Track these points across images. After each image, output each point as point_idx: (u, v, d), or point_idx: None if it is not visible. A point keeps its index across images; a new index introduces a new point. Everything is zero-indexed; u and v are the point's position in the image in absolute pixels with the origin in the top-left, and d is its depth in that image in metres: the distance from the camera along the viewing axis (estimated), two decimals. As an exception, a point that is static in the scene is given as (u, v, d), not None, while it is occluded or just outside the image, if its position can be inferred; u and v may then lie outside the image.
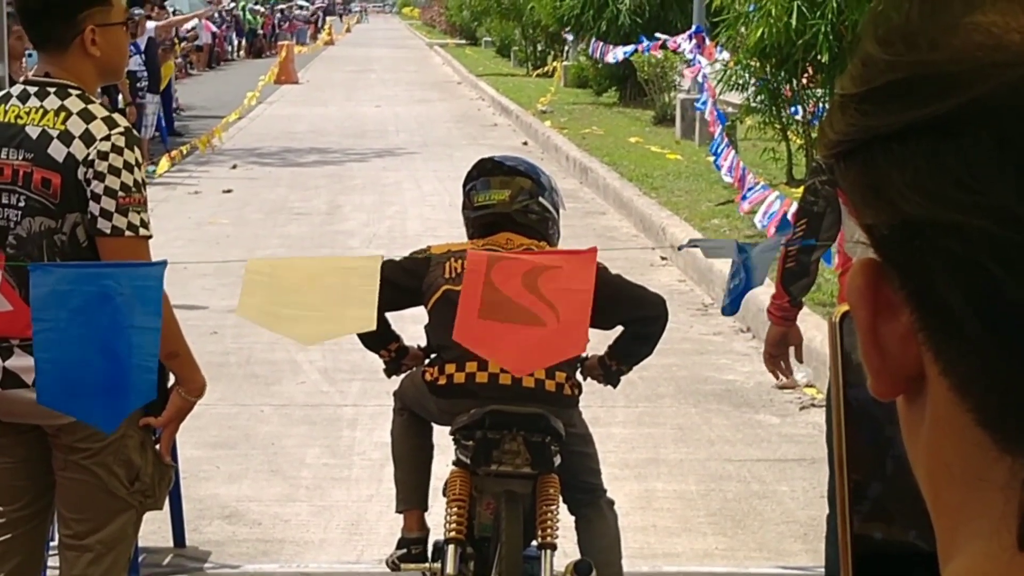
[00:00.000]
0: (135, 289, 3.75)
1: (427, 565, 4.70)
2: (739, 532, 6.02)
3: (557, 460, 4.44)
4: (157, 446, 4.05)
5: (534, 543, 4.49)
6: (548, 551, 4.39)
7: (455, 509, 4.45)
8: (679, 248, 5.15)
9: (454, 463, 4.53)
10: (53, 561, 4.51)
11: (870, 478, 0.73)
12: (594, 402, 6.70)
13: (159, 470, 4.04)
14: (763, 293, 9.11)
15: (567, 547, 4.77)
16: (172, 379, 4.03)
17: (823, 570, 4.83)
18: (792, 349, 4.91)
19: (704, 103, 15.59)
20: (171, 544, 5.74)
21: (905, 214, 0.64)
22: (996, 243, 0.62)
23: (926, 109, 0.63)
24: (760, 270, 4.59)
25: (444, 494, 4.54)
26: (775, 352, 4.92)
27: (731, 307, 4.81)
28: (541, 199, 4.71)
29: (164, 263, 3.81)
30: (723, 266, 10.02)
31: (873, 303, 0.68)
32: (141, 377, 3.77)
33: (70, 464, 3.95)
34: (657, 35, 20.51)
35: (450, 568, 4.39)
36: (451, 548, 4.42)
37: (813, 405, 7.65)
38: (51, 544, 4.52)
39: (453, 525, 4.43)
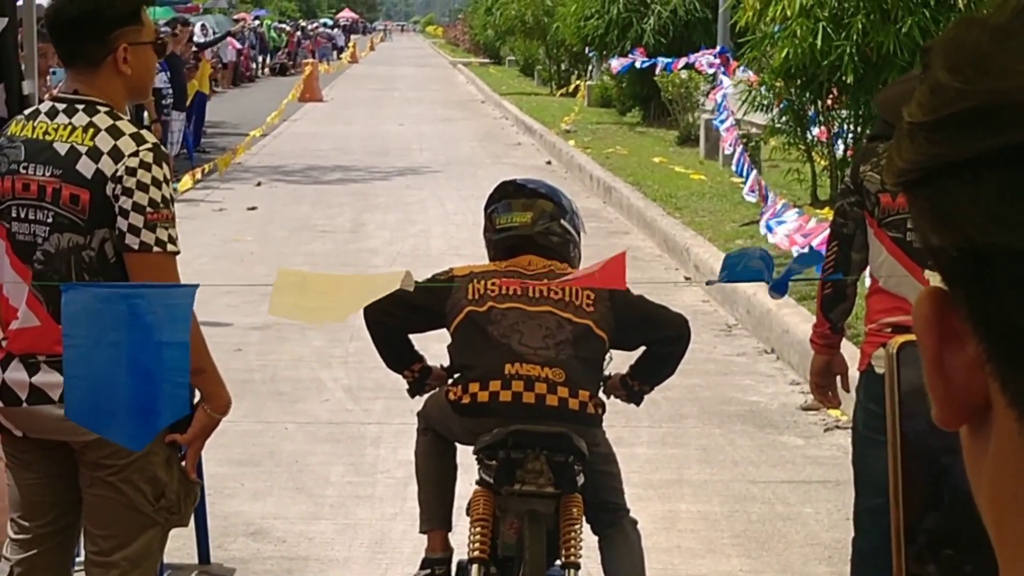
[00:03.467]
0: (166, 309, 3.76)
1: (451, 585, 4.70)
2: (763, 554, 6.00)
3: (580, 480, 4.44)
4: (183, 463, 4.05)
5: (557, 563, 4.48)
6: (572, 571, 4.38)
7: (478, 529, 4.44)
8: (708, 283, 5.12)
9: (477, 482, 4.53)
10: (78, 577, 4.52)
11: (926, 509, 0.72)
12: (618, 422, 6.69)
13: (185, 487, 4.05)
14: (790, 315, 9.11)
15: (591, 567, 4.76)
16: (197, 396, 4.04)
17: (848, 593, 4.80)
18: (839, 378, 4.85)
19: (722, 122, 15.56)
20: (196, 561, 5.74)
21: (976, 241, 0.64)
22: None
23: (999, 138, 0.62)
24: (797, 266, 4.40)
25: (467, 513, 4.53)
26: (821, 382, 4.82)
27: (780, 288, 4.54)
28: (563, 221, 4.72)
29: (196, 286, 3.82)
30: (746, 287, 10.03)
31: (939, 332, 0.67)
32: (173, 393, 3.78)
33: (96, 481, 3.95)
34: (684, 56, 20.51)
35: (474, 587, 4.38)
36: (475, 568, 4.41)
37: (838, 427, 7.62)
38: (77, 560, 4.52)
39: (476, 545, 4.43)
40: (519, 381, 4.43)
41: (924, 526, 0.72)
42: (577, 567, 4.39)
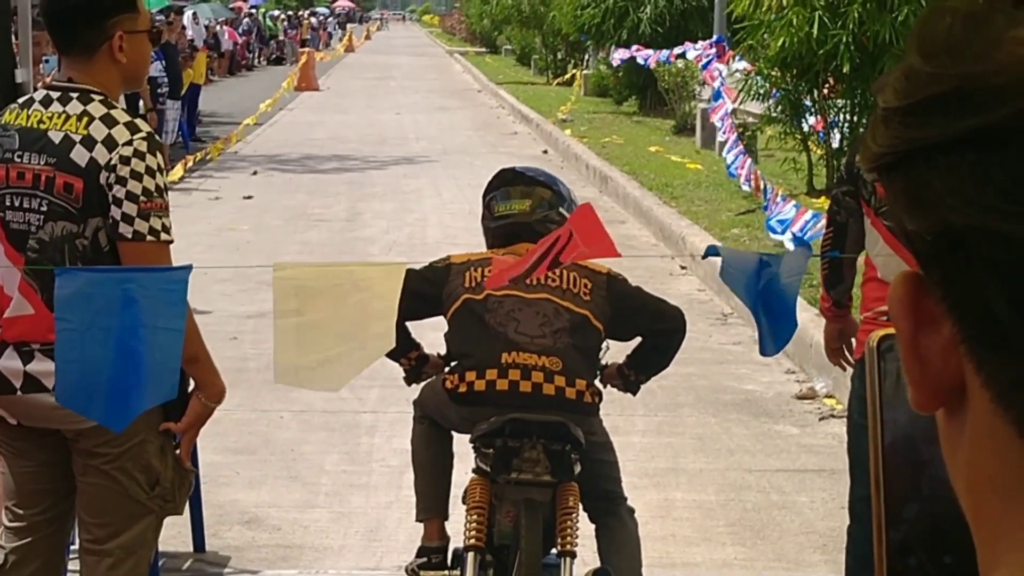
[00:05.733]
0: (160, 293, 3.75)
1: (447, 573, 4.70)
2: (758, 542, 6.01)
3: (577, 468, 4.44)
4: (177, 451, 4.05)
5: (553, 551, 4.49)
6: (568, 559, 4.38)
7: (475, 517, 4.44)
8: (702, 257, 5.04)
9: (474, 471, 4.53)
10: (73, 565, 4.52)
11: (907, 499, 0.73)
12: (614, 411, 6.69)
13: (179, 475, 4.05)
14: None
15: (587, 555, 4.76)
16: (192, 384, 4.04)
17: (843, 581, 4.81)
18: (853, 340, 4.94)
19: (723, 117, 15.52)
20: (191, 549, 5.74)
21: (949, 223, 0.65)
22: None
23: (971, 121, 0.64)
24: (790, 293, 4.34)
25: (464, 502, 4.54)
26: (835, 346, 4.98)
27: (774, 346, 4.38)
28: (561, 209, 4.72)
29: (189, 267, 3.81)
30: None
31: (914, 315, 0.68)
32: (163, 377, 3.78)
33: (90, 469, 3.95)
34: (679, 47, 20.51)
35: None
36: (471, 556, 4.41)
37: (832, 415, 7.63)
38: (71, 548, 4.53)
39: (473, 533, 4.43)
40: (516, 370, 4.43)
41: (905, 516, 0.73)
42: (573, 555, 4.39)
